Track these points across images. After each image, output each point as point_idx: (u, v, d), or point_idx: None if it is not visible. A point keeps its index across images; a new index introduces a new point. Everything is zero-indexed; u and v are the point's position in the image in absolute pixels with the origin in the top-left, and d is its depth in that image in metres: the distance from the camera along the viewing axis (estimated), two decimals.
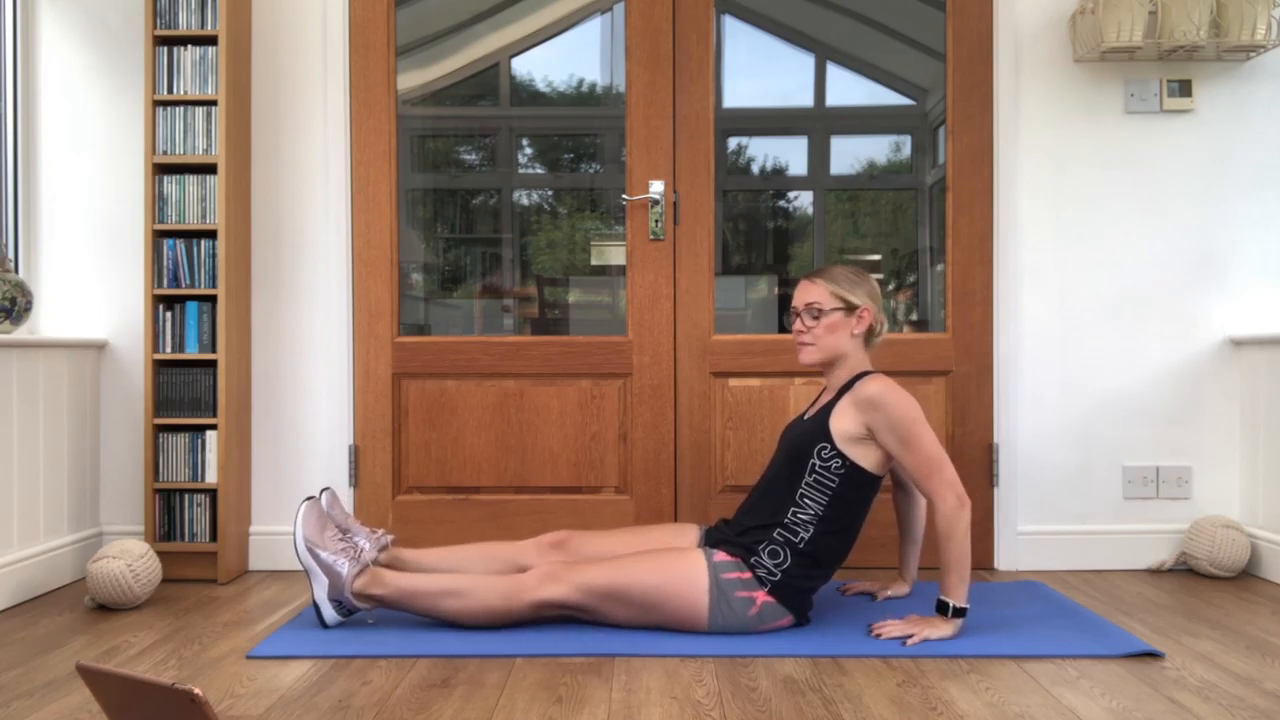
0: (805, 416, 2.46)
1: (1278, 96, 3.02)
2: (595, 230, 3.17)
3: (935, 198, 3.16)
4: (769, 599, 2.28)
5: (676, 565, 2.27)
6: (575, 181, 3.22)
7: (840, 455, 2.30)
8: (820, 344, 2.38)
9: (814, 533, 2.30)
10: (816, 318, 2.38)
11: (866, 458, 2.31)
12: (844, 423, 2.31)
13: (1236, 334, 3.00)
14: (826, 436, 2.32)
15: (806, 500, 2.31)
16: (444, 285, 3.19)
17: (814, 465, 2.31)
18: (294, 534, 2.33)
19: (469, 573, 2.39)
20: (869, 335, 2.42)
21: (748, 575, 2.28)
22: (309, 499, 2.37)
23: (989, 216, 3.05)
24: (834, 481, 2.30)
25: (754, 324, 3.16)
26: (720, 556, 2.29)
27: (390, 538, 2.42)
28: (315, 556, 2.31)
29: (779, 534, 2.30)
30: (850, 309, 2.38)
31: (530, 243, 3.21)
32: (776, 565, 2.28)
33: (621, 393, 3.07)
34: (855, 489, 2.31)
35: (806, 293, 2.41)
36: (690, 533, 2.50)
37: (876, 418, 2.27)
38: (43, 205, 3.04)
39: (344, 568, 2.30)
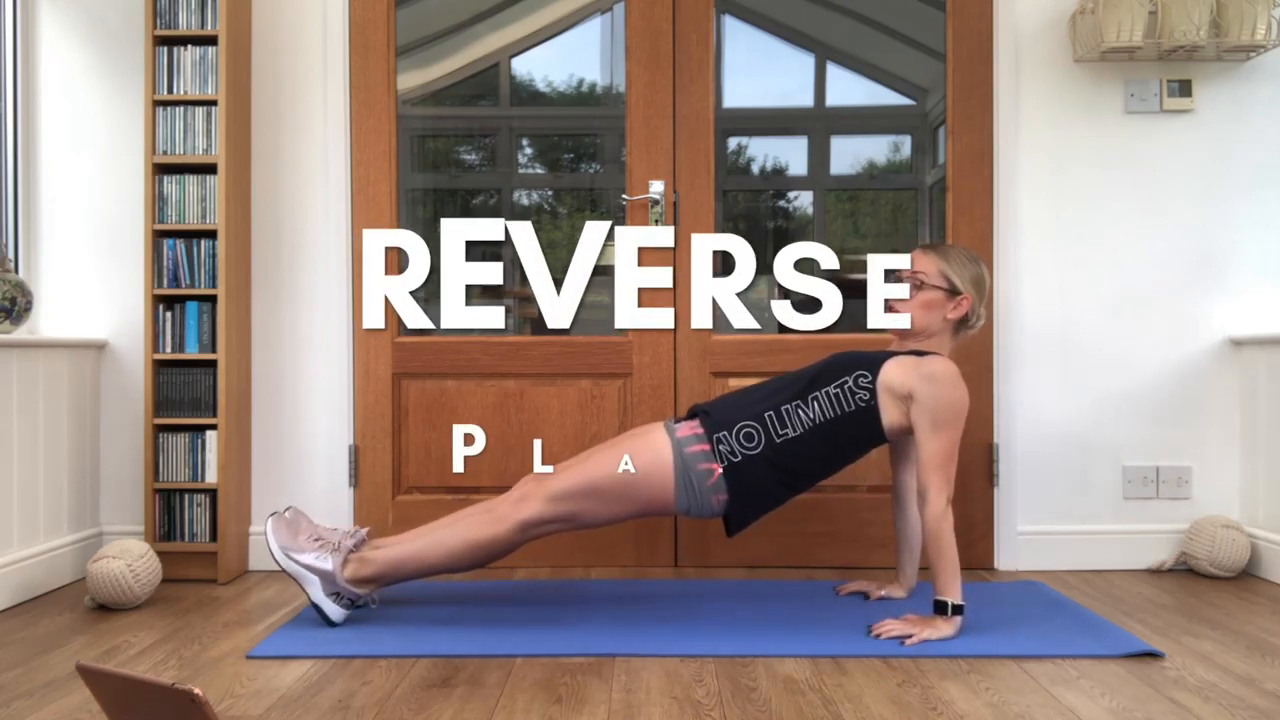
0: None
1: (1278, 96, 3.02)
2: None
3: (935, 198, 3.16)
4: (720, 475, 2.28)
5: (640, 447, 2.30)
6: (575, 181, 3.22)
7: (873, 392, 2.30)
8: (913, 316, 2.35)
9: (800, 434, 2.29)
10: (918, 288, 2.38)
11: (889, 414, 2.31)
12: (894, 376, 2.30)
13: (1236, 334, 3.00)
14: (874, 369, 2.31)
15: (815, 404, 2.30)
16: None
17: (845, 382, 2.31)
18: (269, 547, 2.32)
19: None
20: (962, 324, 2.41)
21: (708, 448, 2.29)
22: (273, 515, 2.37)
23: (989, 216, 3.05)
24: (850, 407, 2.30)
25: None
26: (684, 431, 2.31)
27: (365, 531, 2.41)
28: (295, 561, 2.31)
29: (769, 418, 2.30)
30: (953, 292, 2.38)
31: None
32: (744, 449, 2.28)
33: (621, 393, 3.07)
34: (860, 429, 2.31)
35: (916, 262, 2.41)
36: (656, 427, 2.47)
37: (926, 390, 2.26)
38: (43, 205, 3.04)
39: (328, 562, 2.31)
